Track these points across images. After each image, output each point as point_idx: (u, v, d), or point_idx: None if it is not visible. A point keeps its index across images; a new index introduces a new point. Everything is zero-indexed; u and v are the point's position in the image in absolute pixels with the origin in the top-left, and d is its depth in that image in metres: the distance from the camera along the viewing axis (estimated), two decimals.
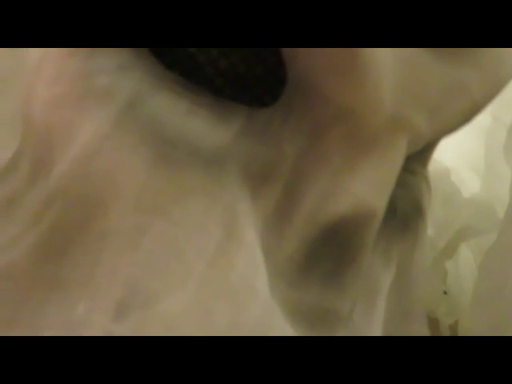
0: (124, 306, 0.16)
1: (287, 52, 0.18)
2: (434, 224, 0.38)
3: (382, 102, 0.17)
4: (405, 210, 0.24)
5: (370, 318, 0.21)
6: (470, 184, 0.40)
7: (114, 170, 0.16)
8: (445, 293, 0.41)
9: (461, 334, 0.36)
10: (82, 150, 0.16)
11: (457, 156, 0.42)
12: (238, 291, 0.17)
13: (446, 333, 0.37)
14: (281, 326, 0.17)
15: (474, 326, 0.30)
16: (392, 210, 0.23)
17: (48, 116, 0.17)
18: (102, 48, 0.16)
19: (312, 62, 0.17)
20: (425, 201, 0.26)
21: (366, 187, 0.18)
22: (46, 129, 0.17)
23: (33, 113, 0.17)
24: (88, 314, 0.16)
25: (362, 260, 0.19)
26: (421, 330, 0.24)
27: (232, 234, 0.17)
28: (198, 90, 0.18)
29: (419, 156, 0.25)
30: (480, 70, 0.19)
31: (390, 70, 0.17)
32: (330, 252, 0.19)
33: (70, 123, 0.16)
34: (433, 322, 0.38)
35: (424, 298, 0.34)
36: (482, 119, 0.38)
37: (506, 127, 0.32)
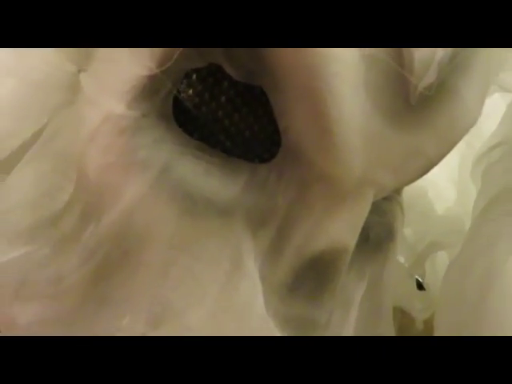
0: (158, 319, 0.22)
1: (281, 123, 0.23)
2: (413, 234, 0.44)
3: (353, 168, 0.22)
4: (377, 236, 0.29)
5: (344, 324, 0.26)
6: (447, 194, 0.46)
7: (149, 221, 0.22)
8: (423, 288, 0.46)
9: (435, 326, 0.41)
10: (126, 205, 0.22)
11: (437, 169, 0.47)
12: (241, 308, 0.23)
13: (420, 327, 0.43)
14: (272, 334, 0.23)
15: (440, 324, 0.35)
16: (365, 236, 0.28)
17: (100, 177, 0.22)
18: (142, 127, 0.22)
19: (300, 137, 0.22)
20: (397, 223, 0.31)
21: (341, 229, 0.23)
22: (98, 186, 0.22)
23: (87, 172, 0.23)
24: (131, 324, 0.22)
25: (337, 281, 0.25)
26: (387, 330, 0.30)
27: (237, 266, 0.22)
28: (212, 150, 0.23)
29: None
30: (434, 135, 0.24)
31: (359, 145, 0.22)
32: (312, 276, 0.24)
33: (117, 185, 0.22)
34: (409, 318, 0.44)
35: (397, 300, 0.40)
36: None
37: (475, 153, 0.37)
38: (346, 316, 0.27)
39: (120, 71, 0.22)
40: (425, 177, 0.46)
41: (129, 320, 0.22)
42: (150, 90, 0.22)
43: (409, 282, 0.40)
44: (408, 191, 0.43)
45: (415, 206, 0.45)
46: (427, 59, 0.22)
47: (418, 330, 0.43)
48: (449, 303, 0.35)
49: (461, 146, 0.42)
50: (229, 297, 0.22)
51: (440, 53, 0.22)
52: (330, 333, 0.26)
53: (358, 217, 0.24)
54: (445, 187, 0.47)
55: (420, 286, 0.47)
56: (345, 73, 0.20)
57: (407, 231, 0.45)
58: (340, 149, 0.22)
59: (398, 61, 0.21)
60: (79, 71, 0.25)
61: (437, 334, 0.34)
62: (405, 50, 0.22)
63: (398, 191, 0.32)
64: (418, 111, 0.23)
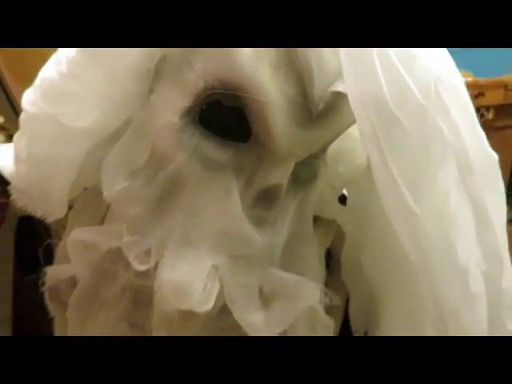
0: (189, 218, 0.47)
1: (251, 126, 0.47)
2: (344, 171, 0.68)
3: (284, 149, 0.47)
4: (305, 177, 0.53)
5: (283, 222, 0.51)
6: None
7: (186, 173, 0.47)
8: None
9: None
10: (176, 165, 0.47)
11: None
12: (229, 211, 0.48)
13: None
14: (246, 223, 0.48)
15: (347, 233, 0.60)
16: (297, 178, 0.52)
17: (163, 150, 0.47)
18: (184, 128, 0.46)
19: (259, 133, 0.46)
20: (320, 172, 0.55)
21: (279, 175, 0.48)
22: (161, 155, 0.48)
23: (156, 147, 0.47)
24: (177, 222, 0.47)
25: (279, 201, 0.50)
26: (308, 228, 0.55)
27: (228, 195, 0.47)
28: (218, 138, 0.47)
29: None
30: (327, 131, 0.48)
31: (286, 139, 0.46)
32: (265, 198, 0.49)
33: (172, 155, 0.47)
34: (339, 227, 0.69)
35: (330, 214, 0.65)
36: None
37: None
38: (284, 220, 0.51)
39: (174, 101, 0.46)
40: (356, 139, 0.69)
41: (175, 220, 0.47)
42: (189, 111, 0.46)
43: (334, 198, 0.65)
44: (342, 148, 0.66)
45: (346, 155, 0.70)
46: (321, 93, 0.46)
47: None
48: (348, 220, 0.60)
49: None
50: (224, 207, 0.48)
51: (328, 90, 0.46)
52: (276, 227, 0.51)
53: (288, 168, 0.48)
54: None
55: None
56: (276, 107, 0.44)
57: (341, 169, 0.70)
58: (276, 141, 0.46)
59: (303, 96, 0.45)
60: (150, 91, 0.49)
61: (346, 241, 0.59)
62: (308, 89, 0.45)
63: (323, 151, 0.56)
64: (317, 120, 0.47)
